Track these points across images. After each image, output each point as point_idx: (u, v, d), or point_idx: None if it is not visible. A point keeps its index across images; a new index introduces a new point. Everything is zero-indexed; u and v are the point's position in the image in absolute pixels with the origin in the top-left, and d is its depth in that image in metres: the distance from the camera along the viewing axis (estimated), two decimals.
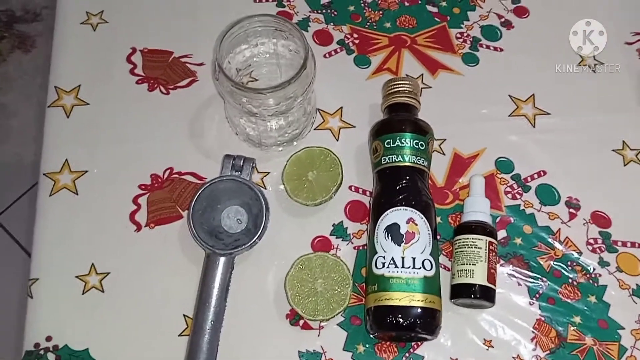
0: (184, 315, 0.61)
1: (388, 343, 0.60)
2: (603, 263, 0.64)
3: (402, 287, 0.56)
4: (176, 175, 0.67)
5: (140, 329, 0.61)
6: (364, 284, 0.61)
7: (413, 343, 0.60)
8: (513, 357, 0.59)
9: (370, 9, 0.77)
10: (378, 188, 0.63)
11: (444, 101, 0.71)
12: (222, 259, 0.60)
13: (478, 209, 0.62)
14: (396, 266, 0.57)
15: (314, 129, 0.70)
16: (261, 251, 0.63)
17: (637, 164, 0.68)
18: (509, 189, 0.67)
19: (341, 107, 0.71)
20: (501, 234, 0.65)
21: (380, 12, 0.77)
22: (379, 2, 0.78)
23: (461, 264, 0.60)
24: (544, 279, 0.63)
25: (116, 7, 0.77)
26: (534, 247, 0.64)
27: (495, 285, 0.60)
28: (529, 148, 0.69)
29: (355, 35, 0.76)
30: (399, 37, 0.76)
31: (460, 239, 0.61)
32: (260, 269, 0.63)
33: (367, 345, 0.60)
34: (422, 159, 0.62)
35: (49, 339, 0.60)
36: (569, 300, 0.62)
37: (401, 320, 0.56)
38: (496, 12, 0.77)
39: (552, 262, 0.64)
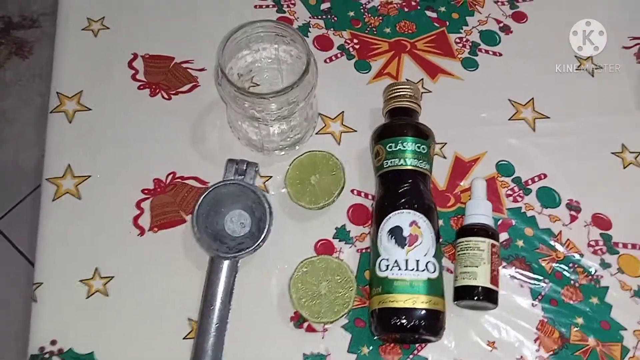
0: (189, 319, 0.61)
1: (392, 345, 0.60)
2: (604, 265, 0.64)
3: (406, 289, 0.57)
4: (179, 180, 0.68)
5: (145, 332, 0.61)
6: (367, 286, 0.62)
7: (417, 345, 0.60)
8: (517, 359, 0.60)
9: (370, 15, 0.78)
10: (381, 191, 0.64)
11: (444, 105, 0.72)
12: (226, 262, 0.61)
13: (480, 211, 0.63)
14: (400, 268, 0.57)
15: (316, 134, 0.71)
16: (265, 254, 0.63)
17: (636, 166, 0.69)
18: (510, 192, 0.68)
19: (342, 112, 0.72)
20: (503, 236, 0.65)
21: (380, 18, 0.78)
22: (379, 7, 0.79)
23: (464, 266, 0.60)
24: (546, 281, 0.63)
25: (117, 13, 0.78)
26: (536, 249, 0.65)
27: (498, 287, 0.60)
28: (529, 151, 0.70)
29: (356, 41, 0.76)
30: (398, 42, 0.76)
31: (462, 242, 0.61)
32: (264, 272, 0.63)
33: (371, 347, 0.60)
34: (423, 162, 0.63)
35: (53, 342, 0.60)
36: (571, 302, 0.62)
37: (405, 322, 0.56)
38: (495, 17, 0.78)
39: (554, 264, 0.64)
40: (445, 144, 0.70)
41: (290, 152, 0.69)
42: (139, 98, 0.72)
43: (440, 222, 0.65)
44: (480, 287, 0.59)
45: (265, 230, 0.61)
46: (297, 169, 0.66)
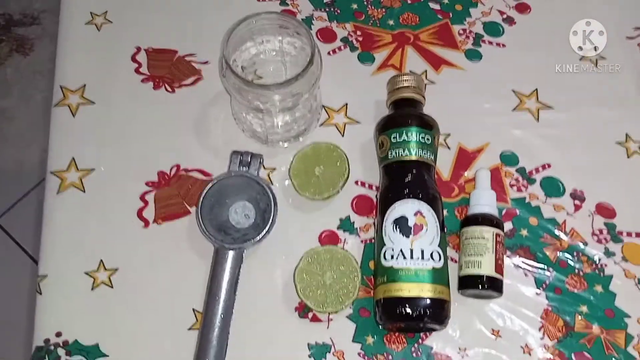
0: (193, 310, 0.61)
1: (397, 334, 0.60)
2: (608, 253, 0.64)
3: (411, 278, 0.57)
4: (183, 172, 0.68)
5: (150, 324, 0.61)
6: (372, 276, 0.62)
7: (422, 334, 0.60)
8: (521, 347, 0.60)
9: (373, 7, 0.78)
10: (385, 182, 0.64)
11: (447, 97, 0.72)
12: (231, 253, 0.61)
13: (484, 201, 0.63)
14: (405, 258, 0.57)
15: (320, 125, 0.71)
16: (269, 245, 0.63)
17: None
18: (514, 182, 0.68)
19: (346, 104, 0.72)
20: (507, 226, 0.65)
21: (383, 10, 0.78)
22: None
23: (469, 256, 0.60)
24: (551, 270, 0.63)
25: (120, 7, 0.78)
26: (540, 238, 0.65)
27: (502, 276, 0.60)
28: (533, 141, 0.70)
29: (359, 33, 0.76)
30: (402, 34, 0.76)
31: (467, 231, 0.61)
32: (269, 262, 0.63)
33: (375, 337, 0.60)
34: (428, 152, 0.63)
35: (58, 334, 0.60)
36: (575, 290, 0.62)
37: (411, 311, 0.56)
38: (498, 8, 0.78)
39: (558, 253, 0.64)
40: (449, 134, 0.70)
41: (294, 143, 0.69)
42: (142, 91, 0.72)
43: (445, 212, 0.65)
44: (485, 276, 0.59)
45: (270, 221, 0.61)
46: (301, 161, 0.66)
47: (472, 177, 0.67)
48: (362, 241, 0.65)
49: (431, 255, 0.58)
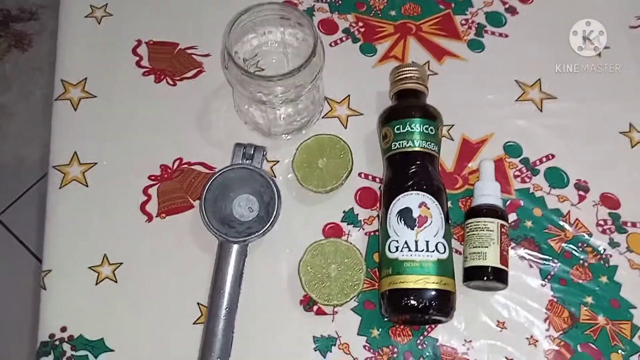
0: (198, 304, 0.61)
1: (402, 327, 0.60)
2: (613, 244, 0.64)
3: (416, 270, 0.57)
4: (186, 166, 0.67)
5: (155, 318, 0.61)
6: (376, 269, 0.62)
7: (427, 326, 0.60)
8: (526, 338, 0.60)
9: None
10: (389, 173, 0.63)
11: (450, 87, 0.71)
12: (235, 247, 0.61)
13: (489, 192, 0.63)
14: (410, 250, 0.57)
15: (322, 117, 0.70)
16: (273, 238, 0.63)
17: None
18: (518, 173, 0.68)
19: (348, 95, 0.72)
20: (511, 217, 0.65)
21: (385, 1, 0.77)
22: None
23: (473, 247, 0.60)
24: (555, 261, 0.63)
25: (120, 0, 0.77)
26: (545, 229, 0.65)
27: (507, 267, 0.60)
28: (536, 132, 0.70)
29: (361, 24, 0.76)
30: (404, 24, 0.76)
31: (472, 222, 0.61)
32: (273, 255, 0.63)
33: (381, 329, 0.60)
34: (432, 143, 0.62)
35: (63, 329, 0.60)
36: (580, 281, 0.62)
37: (416, 302, 0.56)
38: None
39: (562, 244, 0.64)
40: (453, 125, 0.70)
41: (297, 136, 0.68)
42: (144, 84, 0.72)
43: (449, 203, 0.64)
44: (490, 267, 0.59)
45: (274, 214, 0.61)
46: (304, 153, 0.65)
47: (476, 168, 0.67)
48: (366, 233, 0.64)
49: (436, 246, 0.57)
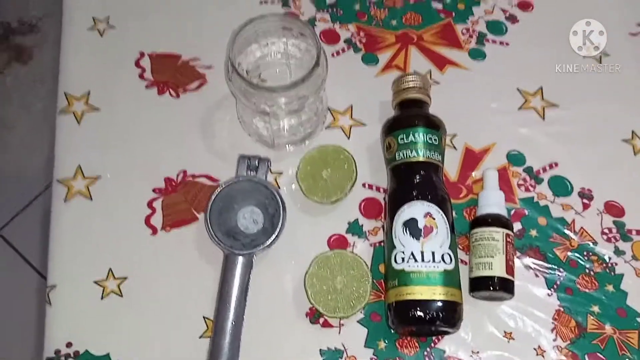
0: (204, 317, 0.61)
1: (409, 338, 0.60)
2: (618, 252, 0.64)
3: (422, 281, 0.56)
4: (190, 178, 0.67)
5: (161, 332, 0.61)
6: (382, 280, 0.61)
7: (434, 337, 0.60)
8: (534, 349, 0.60)
9: (375, 7, 0.78)
10: (393, 184, 0.63)
11: (453, 96, 0.72)
12: (240, 259, 0.60)
13: (493, 201, 0.63)
14: (416, 260, 0.57)
15: (325, 128, 0.70)
16: (278, 250, 0.63)
17: None
18: (521, 182, 0.67)
19: (351, 105, 0.72)
20: (516, 226, 0.65)
21: (386, 10, 0.78)
22: (384, 0, 0.78)
23: (479, 257, 0.60)
24: (561, 270, 0.63)
25: (122, 12, 0.77)
26: (550, 238, 0.65)
27: (513, 277, 0.60)
28: (539, 140, 0.70)
29: (362, 34, 0.76)
30: (405, 34, 0.76)
31: (477, 232, 0.61)
32: (279, 268, 0.63)
33: (387, 341, 0.60)
34: (435, 153, 0.62)
35: (69, 345, 0.60)
36: (586, 290, 0.62)
37: (423, 314, 0.56)
38: (501, 6, 0.78)
39: (568, 253, 0.64)
40: (455, 135, 0.70)
41: (300, 147, 0.68)
42: (147, 97, 0.72)
43: (454, 213, 0.64)
44: (496, 277, 0.59)
45: (279, 226, 0.61)
46: (308, 164, 0.65)
47: (479, 177, 0.67)
48: (371, 244, 0.64)
49: (442, 257, 0.57)
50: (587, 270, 0.63)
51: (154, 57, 0.74)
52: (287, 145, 0.68)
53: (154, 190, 0.67)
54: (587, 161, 0.69)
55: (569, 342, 0.60)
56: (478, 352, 0.60)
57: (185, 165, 0.68)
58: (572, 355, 0.59)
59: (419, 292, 0.56)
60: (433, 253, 0.57)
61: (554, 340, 0.60)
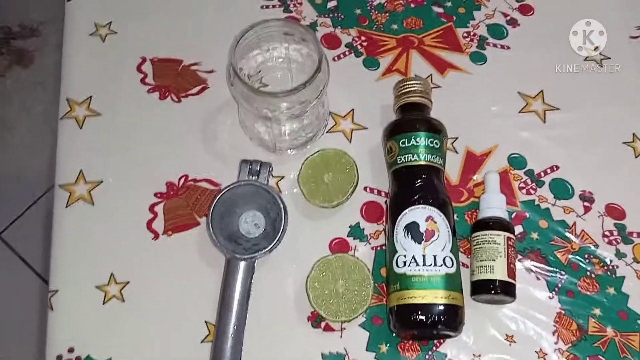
0: (206, 322, 0.61)
1: (411, 342, 0.60)
2: (620, 254, 0.64)
3: (424, 285, 0.56)
4: (191, 182, 0.68)
5: (162, 337, 0.61)
6: (384, 284, 0.62)
7: (436, 341, 0.60)
8: (536, 352, 0.60)
9: (376, 12, 0.78)
10: (395, 188, 0.63)
11: (454, 100, 0.72)
12: (242, 263, 0.61)
13: (494, 205, 0.63)
14: (417, 264, 0.57)
15: (327, 132, 0.70)
16: (280, 254, 0.63)
17: None
18: (522, 185, 0.68)
19: (352, 110, 0.72)
20: (517, 229, 0.65)
21: (387, 14, 0.78)
22: (385, 4, 0.78)
23: (481, 260, 0.60)
24: (562, 273, 0.63)
25: (124, 17, 0.77)
26: (551, 241, 0.65)
27: (515, 280, 0.60)
28: (540, 143, 0.70)
29: (363, 38, 0.76)
30: (406, 38, 0.76)
31: (478, 236, 0.61)
32: (280, 272, 0.63)
33: (389, 345, 0.60)
34: (437, 157, 0.63)
35: (71, 350, 0.60)
36: (588, 293, 0.62)
37: (425, 317, 0.56)
38: (501, 10, 0.78)
39: (569, 256, 0.64)
40: (457, 138, 0.70)
41: (302, 151, 0.69)
42: (148, 102, 0.72)
43: (455, 217, 0.64)
44: (497, 281, 0.59)
45: (281, 230, 0.61)
46: (310, 168, 0.65)
47: (481, 180, 0.67)
48: (372, 248, 0.64)
49: (444, 261, 0.57)
50: (588, 273, 0.63)
51: (156, 62, 0.74)
52: (288, 150, 0.68)
53: (155, 195, 0.67)
54: (588, 164, 0.69)
55: (570, 345, 0.60)
56: (480, 356, 0.60)
57: (187, 169, 0.68)
58: (573, 358, 0.59)
59: (420, 296, 0.56)
60: (434, 257, 0.57)
61: (556, 343, 0.60)
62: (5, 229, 1.43)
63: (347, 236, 0.65)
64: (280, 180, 0.68)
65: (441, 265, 0.57)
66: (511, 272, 0.59)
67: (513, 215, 0.66)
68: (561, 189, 0.67)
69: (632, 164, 0.69)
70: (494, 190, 0.64)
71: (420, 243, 0.58)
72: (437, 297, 0.56)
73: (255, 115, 0.63)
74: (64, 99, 0.72)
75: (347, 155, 0.66)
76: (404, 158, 0.62)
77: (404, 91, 0.66)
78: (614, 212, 0.66)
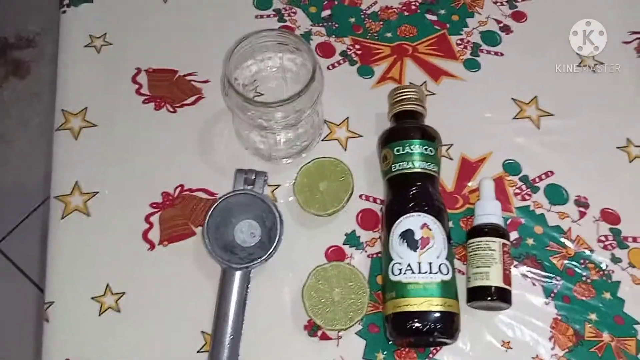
0: (202, 332, 0.61)
1: (407, 349, 0.60)
2: (615, 259, 0.64)
3: (420, 293, 0.57)
4: (187, 192, 0.68)
5: (159, 348, 0.61)
6: (380, 291, 0.62)
7: (432, 348, 0.60)
8: (532, 358, 0.60)
9: (370, 20, 0.78)
10: (390, 195, 0.64)
11: (448, 107, 0.72)
12: (238, 273, 0.61)
13: (489, 211, 0.63)
14: (413, 272, 0.57)
15: (322, 140, 0.71)
16: (276, 263, 0.63)
17: None
18: (517, 191, 0.68)
19: (347, 118, 0.72)
20: (513, 235, 0.65)
21: (381, 23, 0.78)
22: (379, 12, 0.79)
23: (476, 267, 0.60)
24: (558, 278, 0.63)
25: (119, 29, 0.78)
26: (546, 246, 0.65)
27: (510, 287, 0.60)
28: (535, 149, 0.70)
29: (358, 47, 0.77)
30: (400, 46, 0.77)
31: (473, 242, 0.61)
32: (276, 281, 0.63)
33: (386, 353, 0.60)
34: (431, 164, 0.63)
35: None
36: (584, 298, 0.62)
37: (421, 325, 0.56)
38: (494, 17, 0.79)
39: (565, 261, 0.64)
40: (451, 145, 0.70)
41: (297, 160, 0.69)
42: (144, 112, 0.72)
43: (450, 223, 0.64)
44: (493, 287, 0.59)
45: (277, 239, 0.61)
46: (305, 176, 0.66)
47: (476, 187, 0.67)
48: (368, 256, 0.65)
49: (439, 268, 0.58)
50: (584, 278, 0.63)
51: (151, 72, 0.75)
52: (284, 158, 0.69)
53: (151, 205, 0.67)
54: (582, 169, 0.69)
55: (567, 350, 0.60)
56: None
57: (183, 179, 0.68)
58: None
59: (416, 304, 0.56)
60: (430, 264, 0.58)
61: (552, 348, 0.60)
62: (3, 239, 1.43)
63: (343, 244, 0.65)
64: (275, 189, 0.68)
65: (437, 272, 0.57)
66: (507, 278, 0.60)
67: (508, 221, 0.66)
68: (556, 195, 0.68)
69: (627, 168, 0.69)
70: (489, 197, 0.64)
71: (415, 250, 0.58)
72: (433, 305, 0.56)
73: (250, 124, 0.63)
74: (59, 110, 0.72)
75: (342, 163, 0.66)
76: (399, 166, 0.62)
77: (398, 99, 0.67)
78: (609, 217, 0.66)
